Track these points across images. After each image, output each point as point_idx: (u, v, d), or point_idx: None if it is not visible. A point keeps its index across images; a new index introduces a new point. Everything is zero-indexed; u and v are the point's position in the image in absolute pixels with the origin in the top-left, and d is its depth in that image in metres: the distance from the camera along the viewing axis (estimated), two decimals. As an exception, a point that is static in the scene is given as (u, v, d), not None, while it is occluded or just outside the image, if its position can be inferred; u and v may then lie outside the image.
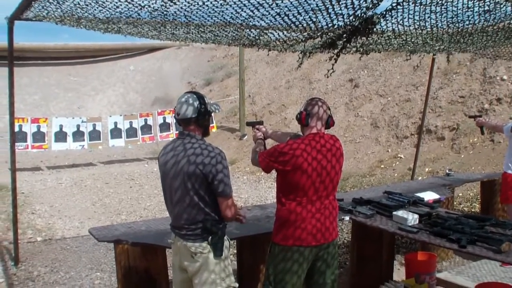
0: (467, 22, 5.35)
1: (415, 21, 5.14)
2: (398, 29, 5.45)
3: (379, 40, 6.17)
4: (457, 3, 4.58)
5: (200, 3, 4.61)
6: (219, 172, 4.03)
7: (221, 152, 4.15)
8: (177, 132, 4.47)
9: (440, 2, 4.47)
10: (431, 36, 6.06)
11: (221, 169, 4.05)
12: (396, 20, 5.01)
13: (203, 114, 4.18)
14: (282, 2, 4.45)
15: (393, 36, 5.98)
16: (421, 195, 6.62)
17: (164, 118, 19.24)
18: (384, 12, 4.68)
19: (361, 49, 6.18)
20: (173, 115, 4.33)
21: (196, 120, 4.16)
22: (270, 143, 4.99)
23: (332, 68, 5.56)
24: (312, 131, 4.45)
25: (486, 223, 5.26)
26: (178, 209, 4.14)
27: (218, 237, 4.10)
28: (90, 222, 10.69)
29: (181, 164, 4.05)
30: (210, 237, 4.08)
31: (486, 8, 4.83)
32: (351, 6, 4.42)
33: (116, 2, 4.90)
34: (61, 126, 17.83)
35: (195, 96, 4.19)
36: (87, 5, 5.18)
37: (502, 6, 4.82)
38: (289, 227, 4.34)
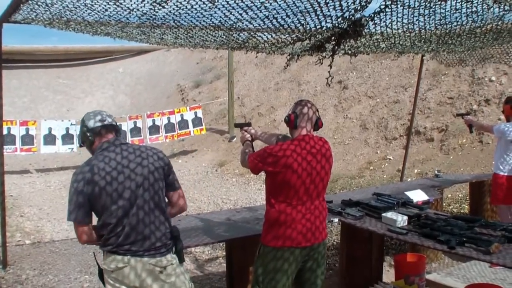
0: (455, 24, 5.37)
1: (404, 24, 5.16)
2: (387, 32, 5.47)
3: (367, 43, 6.18)
4: (445, 5, 4.60)
5: (189, 6, 4.60)
6: (171, 166, 4.07)
7: None
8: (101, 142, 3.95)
9: (428, 5, 4.48)
10: (419, 38, 6.08)
11: (170, 163, 4.12)
12: (384, 23, 5.02)
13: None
14: (270, 5, 4.45)
15: (382, 39, 5.99)
16: (409, 194, 6.65)
17: (154, 121, 19.16)
18: (373, 15, 4.69)
19: (350, 51, 6.19)
20: (83, 127, 4.04)
21: (116, 128, 4.12)
22: (259, 145, 4.98)
23: (330, 75, 5.53)
24: (301, 133, 4.46)
25: (475, 224, 5.27)
26: (143, 224, 3.80)
27: (182, 243, 4.04)
28: (79, 225, 10.63)
29: (142, 169, 3.84)
30: (174, 245, 3.97)
31: (474, 9, 4.85)
32: (339, 8, 4.43)
33: (105, 5, 4.89)
34: (50, 129, 17.75)
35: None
36: (76, 8, 5.16)
37: (490, 7, 4.85)
38: (279, 228, 4.34)
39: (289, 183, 4.30)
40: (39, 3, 5.18)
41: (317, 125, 4.56)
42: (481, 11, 4.95)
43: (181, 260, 4.00)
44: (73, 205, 3.75)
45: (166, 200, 4.05)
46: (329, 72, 5.44)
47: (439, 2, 4.38)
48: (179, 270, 3.95)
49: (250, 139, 5.14)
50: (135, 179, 3.79)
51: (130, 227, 3.77)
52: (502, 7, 4.85)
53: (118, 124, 4.17)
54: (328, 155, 4.50)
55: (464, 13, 4.97)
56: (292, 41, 5.90)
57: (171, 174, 4.04)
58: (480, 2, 4.63)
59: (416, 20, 5.09)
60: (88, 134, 3.96)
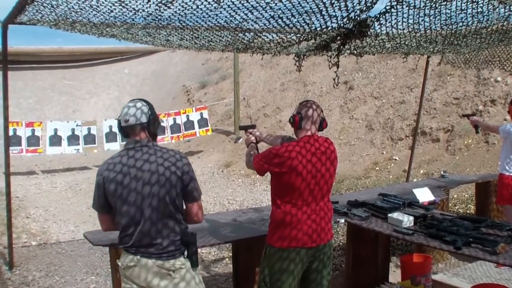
0: (460, 24, 5.36)
1: (409, 24, 5.14)
2: (392, 32, 5.46)
3: (373, 43, 6.17)
4: (451, 6, 4.59)
5: (194, 6, 4.60)
6: (190, 174, 3.90)
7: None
8: (124, 142, 4.00)
9: (433, 5, 4.48)
10: (425, 38, 6.07)
11: (192, 171, 3.92)
12: (390, 23, 5.01)
13: (153, 120, 4.01)
14: (275, 5, 4.45)
15: (387, 39, 5.98)
16: (416, 192, 6.63)
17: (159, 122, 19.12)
18: (378, 15, 4.69)
19: (355, 52, 6.18)
20: (117, 122, 4.02)
21: (147, 126, 3.95)
22: (265, 146, 4.98)
23: (337, 75, 5.51)
24: (306, 134, 4.46)
25: (481, 225, 5.26)
26: (150, 225, 3.81)
27: (195, 248, 3.96)
28: (85, 226, 10.66)
29: (151, 173, 3.79)
30: (186, 249, 3.92)
31: (479, 10, 4.85)
32: (345, 8, 4.43)
33: (110, 6, 4.90)
34: (55, 130, 17.80)
35: (144, 102, 4.01)
36: (81, 9, 5.16)
37: (495, 8, 4.84)
38: (284, 229, 4.34)
39: (293, 186, 4.30)
40: (44, 5, 5.19)
41: (322, 126, 4.56)
42: (486, 11, 4.94)
43: (193, 265, 3.95)
44: (94, 196, 3.96)
45: (184, 207, 4.01)
46: (336, 72, 5.41)
47: (444, 3, 4.37)
48: (189, 275, 3.91)
49: (254, 141, 5.15)
50: (142, 177, 3.79)
51: (139, 229, 3.81)
52: (507, 7, 4.84)
53: (150, 117, 3.98)
54: (332, 158, 4.50)
55: (469, 13, 4.96)
56: (297, 41, 5.90)
57: (191, 184, 3.90)
58: (486, 2, 4.62)
59: (422, 20, 5.08)
60: (122, 132, 4.03)
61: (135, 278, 3.84)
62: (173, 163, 3.83)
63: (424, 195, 6.67)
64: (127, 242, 3.87)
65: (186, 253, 3.92)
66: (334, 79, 5.42)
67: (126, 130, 3.96)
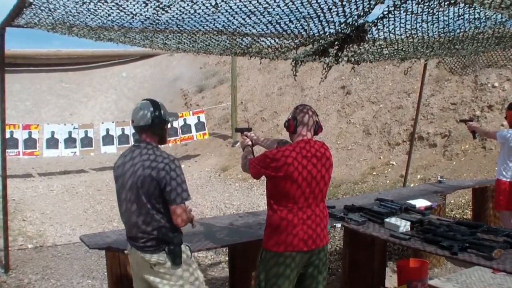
0: (458, 31, 5.37)
1: (407, 30, 5.16)
2: (390, 37, 5.46)
3: (370, 50, 6.18)
4: (448, 12, 4.60)
5: (192, 11, 4.61)
6: (172, 180, 3.98)
7: (175, 159, 4.11)
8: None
9: (431, 11, 4.48)
10: (422, 43, 6.08)
11: (174, 176, 4.00)
12: (387, 29, 5.02)
13: (157, 123, 4.20)
14: (273, 10, 4.46)
15: (385, 45, 5.99)
16: (412, 202, 6.64)
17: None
18: (376, 21, 4.70)
19: (353, 59, 6.19)
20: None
21: (150, 128, 4.18)
22: (262, 150, 4.97)
23: (325, 76, 5.53)
24: (302, 138, 4.46)
25: (478, 230, 5.27)
26: (132, 219, 4.08)
27: (175, 245, 4.07)
28: (81, 229, 10.65)
29: (132, 171, 4.04)
30: (167, 246, 4.05)
31: (476, 16, 4.85)
32: (342, 14, 4.44)
33: (108, 10, 4.90)
34: (52, 133, 17.74)
35: (150, 103, 4.21)
36: (79, 13, 5.16)
37: (492, 15, 4.85)
38: (280, 234, 4.34)
39: (289, 192, 4.32)
40: (41, 8, 5.18)
41: (316, 130, 4.56)
42: (484, 18, 4.95)
43: (173, 263, 4.07)
44: None
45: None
46: (326, 70, 5.43)
47: (441, 9, 4.38)
48: (171, 271, 4.09)
49: (250, 144, 5.16)
50: (126, 174, 4.11)
51: (124, 221, 4.20)
52: (504, 15, 4.85)
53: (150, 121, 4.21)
54: (328, 165, 4.50)
55: (466, 19, 4.97)
56: (295, 46, 5.90)
57: (167, 187, 3.99)
58: (482, 10, 4.63)
59: (419, 26, 5.09)
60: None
61: (135, 265, 4.27)
62: (152, 165, 4.00)
63: (420, 202, 6.68)
64: (126, 230, 4.26)
65: (167, 249, 4.07)
66: (321, 77, 5.45)
67: (135, 130, 4.30)
